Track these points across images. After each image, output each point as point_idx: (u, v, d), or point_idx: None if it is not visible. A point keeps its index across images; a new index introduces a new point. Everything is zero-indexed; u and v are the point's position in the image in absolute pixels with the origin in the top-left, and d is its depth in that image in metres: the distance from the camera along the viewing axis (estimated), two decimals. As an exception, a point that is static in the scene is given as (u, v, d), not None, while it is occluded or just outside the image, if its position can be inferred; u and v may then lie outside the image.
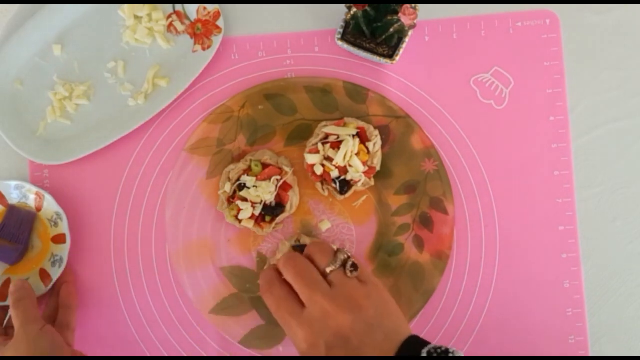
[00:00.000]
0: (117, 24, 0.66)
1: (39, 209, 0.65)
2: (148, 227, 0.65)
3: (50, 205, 0.64)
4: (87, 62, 0.66)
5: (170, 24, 0.65)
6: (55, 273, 0.63)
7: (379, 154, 0.62)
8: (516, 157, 0.65)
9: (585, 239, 0.64)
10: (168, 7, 0.66)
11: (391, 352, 0.47)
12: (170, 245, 0.64)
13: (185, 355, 0.64)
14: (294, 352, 0.63)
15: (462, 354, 0.46)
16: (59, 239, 0.64)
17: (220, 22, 0.64)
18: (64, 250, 0.63)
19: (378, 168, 0.62)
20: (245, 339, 0.63)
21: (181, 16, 0.66)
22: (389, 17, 0.59)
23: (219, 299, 0.64)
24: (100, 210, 0.65)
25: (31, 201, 0.64)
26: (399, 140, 0.64)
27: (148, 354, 0.65)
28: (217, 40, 0.64)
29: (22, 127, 0.65)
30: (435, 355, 0.45)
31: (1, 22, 0.66)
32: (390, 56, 0.62)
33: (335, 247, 0.53)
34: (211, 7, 0.64)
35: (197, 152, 0.64)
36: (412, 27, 0.59)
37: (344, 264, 0.52)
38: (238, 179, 0.62)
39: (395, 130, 0.64)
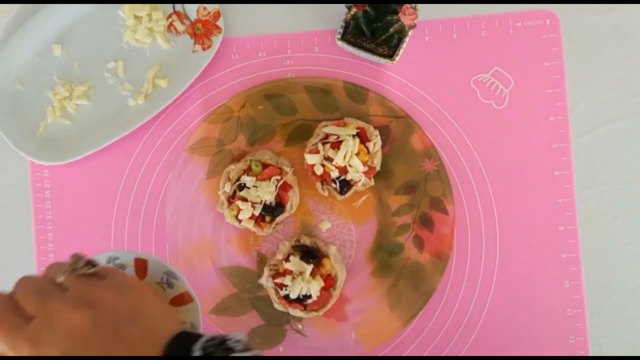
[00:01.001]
0: (117, 24, 0.66)
1: (142, 277, 0.52)
2: (148, 227, 0.65)
3: (156, 267, 0.52)
4: (87, 62, 0.66)
5: (170, 24, 0.65)
6: None
7: (379, 154, 0.62)
8: (516, 157, 0.65)
9: (585, 239, 0.64)
10: (168, 7, 0.66)
11: (155, 352, 0.40)
12: (170, 245, 0.64)
13: (185, 355, 0.64)
14: (294, 352, 0.63)
15: (240, 338, 0.41)
16: (181, 300, 0.52)
17: (220, 22, 0.64)
18: (192, 313, 0.51)
19: (378, 168, 0.62)
20: (245, 339, 0.63)
21: (181, 16, 0.66)
22: (389, 17, 0.59)
23: (219, 299, 0.64)
24: (100, 210, 0.65)
25: (130, 270, 0.52)
26: (399, 140, 0.64)
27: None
28: (217, 40, 0.64)
29: (22, 127, 0.65)
30: (211, 347, 0.39)
31: (1, 22, 0.66)
32: (390, 56, 0.62)
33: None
34: (211, 7, 0.64)
35: (197, 152, 0.64)
36: (412, 27, 0.59)
37: (75, 266, 0.43)
38: (238, 179, 0.62)
39: (395, 130, 0.64)
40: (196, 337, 0.41)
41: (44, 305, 0.40)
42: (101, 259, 0.50)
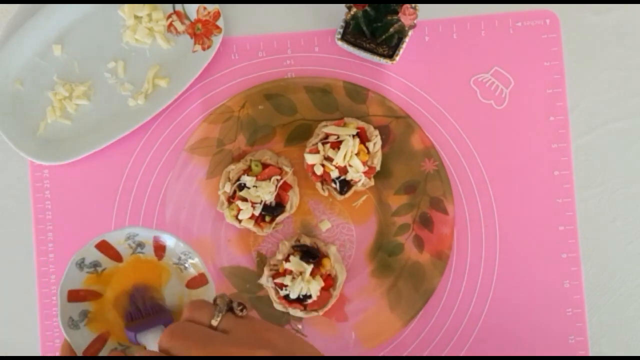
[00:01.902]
0: (117, 24, 0.66)
1: (160, 257, 0.52)
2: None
3: (175, 248, 0.51)
4: (87, 62, 0.66)
5: (170, 24, 0.65)
6: None
7: (379, 154, 0.62)
8: (516, 157, 0.65)
9: (585, 239, 0.64)
10: (168, 7, 0.66)
11: None
12: (170, 245, 0.64)
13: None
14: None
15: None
16: (197, 282, 0.51)
17: (220, 22, 0.64)
18: (207, 296, 0.50)
19: (378, 168, 0.62)
20: (245, 339, 0.63)
21: (181, 16, 0.66)
22: (389, 17, 0.59)
23: (219, 299, 0.64)
24: (100, 210, 0.65)
25: (149, 250, 0.51)
26: (399, 140, 0.64)
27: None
28: (217, 40, 0.64)
29: (22, 127, 0.65)
30: None
31: (1, 22, 0.66)
32: (390, 56, 0.62)
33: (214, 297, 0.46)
34: (211, 7, 0.64)
35: (197, 152, 0.64)
36: (412, 27, 0.59)
37: (229, 307, 0.43)
38: (238, 179, 0.62)
39: (395, 130, 0.64)
40: None
41: (216, 352, 0.40)
42: (120, 236, 0.49)
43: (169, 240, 0.50)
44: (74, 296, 0.49)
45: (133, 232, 0.49)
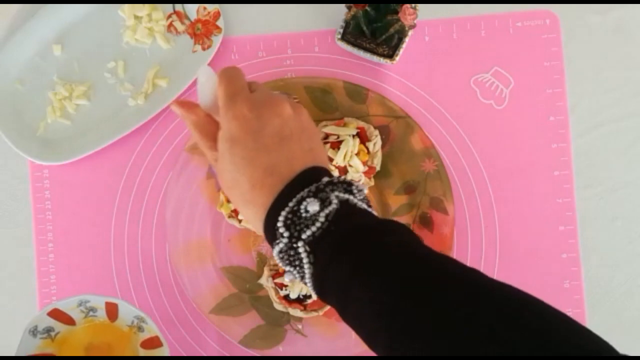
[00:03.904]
0: (117, 24, 0.66)
1: (113, 320, 0.55)
2: (148, 227, 0.65)
3: (127, 311, 0.54)
4: (87, 62, 0.66)
5: (170, 24, 0.65)
6: None
7: (379, 154, 0.62)
8: (516, 157, 0.65)
9: (585, 239, 0.64)
10: (168, 7, 0.66)
11: (292, 173, 0.44)
12: (170, 245, 0.64)
13: (185, 355, 0.64)
14: (294, 352, 0.63)
15: (364, 189, 0.45)
16: (151, 344, 0.54)
17: (220, 22, 0.64)
18: (162, 355, 0.53)
19: (378, 168, 0.62)
20: (245, 339, 0.63)
21: (181, 16, 0.66)
22: (389, 17, 0.59)
23: (219, 299, 0.64)
24: (100, 210, 0.65)
25: (102, 313, 0.54)
26: (399, 140, 0.64)
27: (148, 354, 0.64)
28: (217, 40, 0.64)
29: (22, 127, 0.65)
30: (336, 182, 0.43)
31: (1, 22, 0.66)
32: (390, 56, 0.62)
33: None
34: (211, 7, 0.64)
35: (197, 152, 0.64)
36: (412, 27, 0.59)
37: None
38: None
39: (395, 130, 0.64)
40: (325, 171, 0.45)
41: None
42: (72, 303, 0.52)
43: (121, 305, 0.52)
44: None
45: (85, 299, 0.52)
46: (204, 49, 0.64)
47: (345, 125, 0.62)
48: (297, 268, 0.43)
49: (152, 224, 0.65)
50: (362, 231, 0.42)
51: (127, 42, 0.66)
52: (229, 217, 0.62)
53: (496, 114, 0.65)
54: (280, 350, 0.64)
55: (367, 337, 0.41)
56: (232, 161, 0.45)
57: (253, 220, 0.46)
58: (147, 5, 0.65)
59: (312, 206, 0.41)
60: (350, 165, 0.60)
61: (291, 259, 0.43)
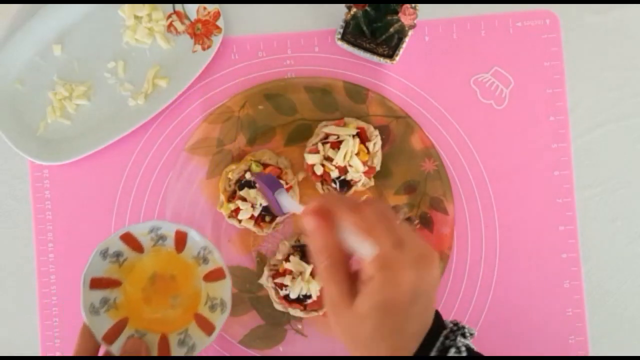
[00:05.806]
0: (117, 24, 0.66)
1: (180, 250, 0.54)
2: (148, 227, 0.65)
3: (195, 241, 0.53)
4: (87, 62, 0.66)
5: (170, 24, 0.65)
6: (217, 319, 0.52)
7: (379, 154, 0.62)
8: (516, 157, 0.65)
9: (585, 239, 0.64)
10: (168, 7, 0.66)
11: (424, 330, 0.42)
12: (170, 245, 0.64)
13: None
14: (294, 352, 0.63)
15: (473, 332, 0.44)
16: (214, 276, 0.53)
17: (220, 22, 0.64)
18: (224, 289, 0.52)
19: (378, 168, 0.62)
20: (245, 339, 0.63)
21: (181, 16, 0.66)
22: (389, 17, 0.59)
23: (219, 299, 0.64)
24: (100, 210, 0.65)
25: (170, 242, 0.53)
26: (399, 140, 0.64)
27: (148, 354, 0.64)
28: (217, 40, 0.64)
29: (22, 127, 0.65)
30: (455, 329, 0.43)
31: (1, 22, 0.66)
32: (390, 56, 0.62)
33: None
34: (211, 7, 0.64)
35: (197, 152, 0.64)
36: (412, 27, 0.59)
37: (406, 217, 0.46)
38: (238, 179, 0.62)
39: (395, 130, 0.64)
40: (443, 324, 0.44)
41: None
42: (144, 228, 0.52)
43: (191, 234, 0.52)
44: (96, 284, 0.51)
45: (157, 225, 0.52)
46: (204, 49, 0.64)
47: (345, 125, 0.62)
48: None
49: (152, 224, 0.65)
50: None
51: (127, 42, 0.66)
52: (229, 217, 0.62)
53: (496, 114, 0.65)
54: (280, 350, 0.64)
55: None
56: (376, 328, 0.41)
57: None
58: (147, 5, 0.65)
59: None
60: (350, 165, 0.60)
61: None
